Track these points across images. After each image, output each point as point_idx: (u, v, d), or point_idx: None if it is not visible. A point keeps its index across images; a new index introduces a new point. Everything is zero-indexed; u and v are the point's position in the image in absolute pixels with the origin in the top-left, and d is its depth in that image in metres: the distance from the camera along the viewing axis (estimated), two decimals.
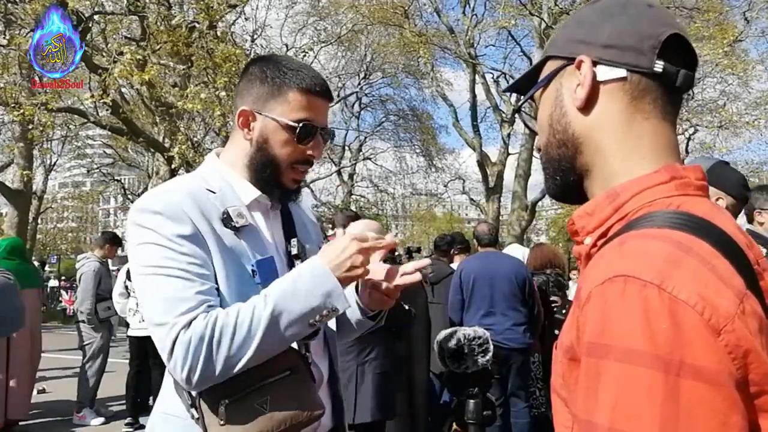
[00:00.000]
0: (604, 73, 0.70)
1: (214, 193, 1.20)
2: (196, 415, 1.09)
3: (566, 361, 0.63)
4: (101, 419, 5.25)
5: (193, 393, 1.09)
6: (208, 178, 1.24)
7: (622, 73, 0.70)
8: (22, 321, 4.34)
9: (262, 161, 1.23)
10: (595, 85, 0.71)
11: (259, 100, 1.23)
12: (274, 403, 1.07)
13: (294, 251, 1.27)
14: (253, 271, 1.16)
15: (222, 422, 1.05)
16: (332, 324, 1.36)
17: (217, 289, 1.12)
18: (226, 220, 1.16)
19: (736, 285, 0.56)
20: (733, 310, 0.53)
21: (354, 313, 1.35)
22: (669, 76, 0.69)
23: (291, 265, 1.26)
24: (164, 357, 1.06)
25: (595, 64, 0.71)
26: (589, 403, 0.56)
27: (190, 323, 1.04)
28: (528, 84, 0.83)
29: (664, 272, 0.54)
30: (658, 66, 0.68)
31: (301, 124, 1.20)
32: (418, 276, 1.24)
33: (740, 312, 0.54)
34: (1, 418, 4.64)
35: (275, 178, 1.24)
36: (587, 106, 0.72)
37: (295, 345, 1.16)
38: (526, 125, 0.88)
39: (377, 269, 1.27)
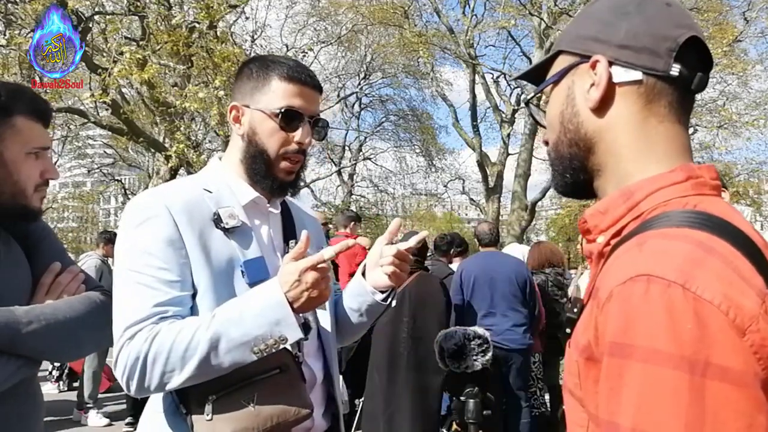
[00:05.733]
0: (619, 74, 0.69)
1: (210, 193, 1.21)
2: (184, 411, 1.10)
3: (582, 361, 0.63)
4: (103, 419, 5.26)
5: (183, 389, 1.10)
6: (208, 179, 1.26)
7: (637, 75, 0.69)
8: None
9: (252, 153, 1.24)
10: (609, 87, 0.70)
11: (247, 94, 1.26)
12: (261, 400, 1.07)
13: None
14: (242, 271, 1.16)
15: (208, 418, 1.06)
16: (328, 326, 1.35)
17: (194, 295, 1.12)
18: (217, 221, 1.17)
19: (758, 285, 0.56)
20: (756, 310, 0.53)
21: (363, 300, 1.35)
22: (685, 79, 0.68)
23: None
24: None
25: (610, 64, 0.70)
26: (612, 404, 0.55)
27: (134, 336, 1.06)
28: (537, 75, 0.81)
29: (687, 272, 0.54)
30: (675, 70, 0.67)
31: (283, 110, 1.21)
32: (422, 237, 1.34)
33: (763, 312, 0.53)
34: None
35: (267, 170, 1.24)
36: (601, 107, 0.71)
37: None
38: (534, 118, 0.87)
39: (385, 250, 1.30)
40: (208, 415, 1.06)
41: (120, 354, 1.06)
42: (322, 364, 1.32)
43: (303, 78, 1.24)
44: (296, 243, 1.27)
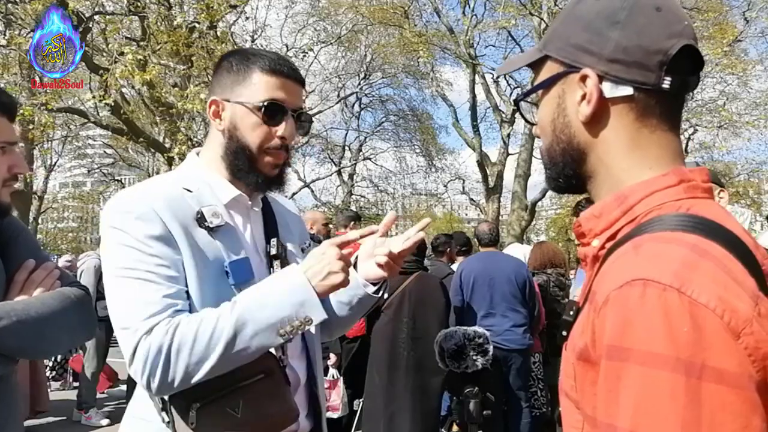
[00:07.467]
0: (609, 90, 0.69)
1: (191, 192, 1.17)
2: (167, 419, 1.07)
3: (579, 363, 0.64)
4: (103, 419, 5.27)
5: (165, 397, 1.08)
6: (187, 177, 1.22)
7: (628, 90, 0.68)
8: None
9: (234, 149, 1.20)
10: (600, 102, 0.70)
11: (227, 88, 1.21)
12: (246, 407, 1.05)
13: (273, 251, 1.25)
14: (226, 272, 1.13)
15: (193, 426, 1.03)
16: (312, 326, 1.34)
17: (188, 291, 1.10)
18: (200, 220, 1.13)
19: (750, 287, 0.56)
20: (750, 312, 0.54)
21: (354, 293, 1.32)
22: (676, 88, 0.68)
23: (270, 266, 1.24)
24: (126, 362, 1.04)
25: (600, 79, 0.69)
26: (610, 406, 0.56)
27: (151, 329, 1.02)
28: (528, 86, 0.82)
29: (683, 276, 0.55)
30: (666, 83, 0.67)
31: (266, 103, 1.17)
32: (421, 235, 1.22)
33: (756, 314, 0.54)
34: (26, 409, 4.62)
35: (250, 165, 1.20)
36: (592, 121, 0.71)
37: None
38: (524, 118, 0.87)
39: (378, 242, 1.28)
40: (192, 423, 1.03)
41: (138, 348, 1.01)
42: (305, 366, 1.30)
43: (285, 70, 1.20)
44: (277, 241, 1.26)
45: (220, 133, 1.22)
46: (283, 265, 1.25)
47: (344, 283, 1.10)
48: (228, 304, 1.06)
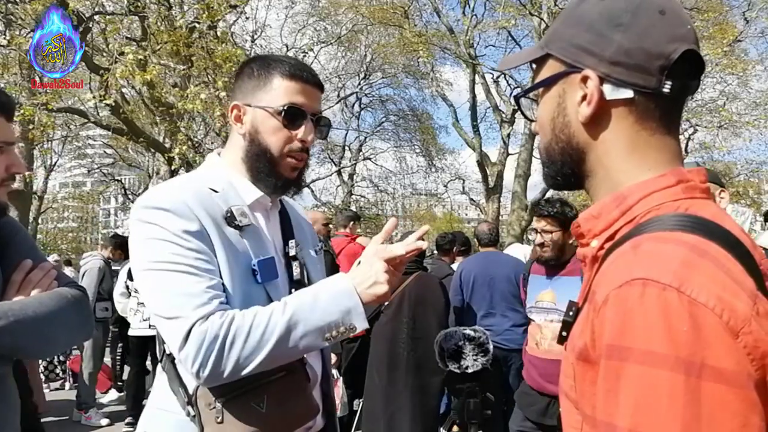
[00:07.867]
0: (610, 92, 0.69)
1: (216, 192, 1.20)
2: (192, 413, 1.10)
3: (579, 363, 0.64)
4: (103, 419, 5.28)
5: (190, 391, 1.10)
6: (210, 178, 1.24)
7: (629, 93, 0.69)
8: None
9: (255, 152, 1.23)
10: (601, 103, 0.70)
11: (248, 93, 1.25)
12: (271, 402, 1.08)
13: (292, 252, 1.29)
14: (254, 270, 1.16)
15: (219, 420, 1.06)
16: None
17: (224, 284, 1.11)
18: (230, 218, 1.16)
19: (749, 286, 0.57)
20: (749, 312, 0.54)
21: None
22: (677, 91, 0.68)
23: (289, 266, 1.27)
24: (174, 350, 1.05)
25: (601, 81, 0.69)
26: (610, 405, 0.56)
27: (207, 317, 1.03)
28: (528, 78, 0.82)
29: (682, 275, 0.55)
30: (667, 87, 0.67)
31: (286, 107, 1.20)
32: (421, 243, 1.21)
33: (755, 313, 0.54)
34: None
35: (271, 169, 1.23)
36: (592, 122, 0.71)
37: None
38: (524, 114, 0.88)
39: (380, 248, 1.28)
40: (218, 417, 1.06)
41: (192, 335, 1.02)
42: (320, 363, 1.33)
43: (305, 76, 1.23)
44: (296, 243, 1.29)
45: (241, 136, 1.25)
46: (301, 267, 1.29)
47: (386, 295, 1.13)
48: (278, 304, 1.09)
